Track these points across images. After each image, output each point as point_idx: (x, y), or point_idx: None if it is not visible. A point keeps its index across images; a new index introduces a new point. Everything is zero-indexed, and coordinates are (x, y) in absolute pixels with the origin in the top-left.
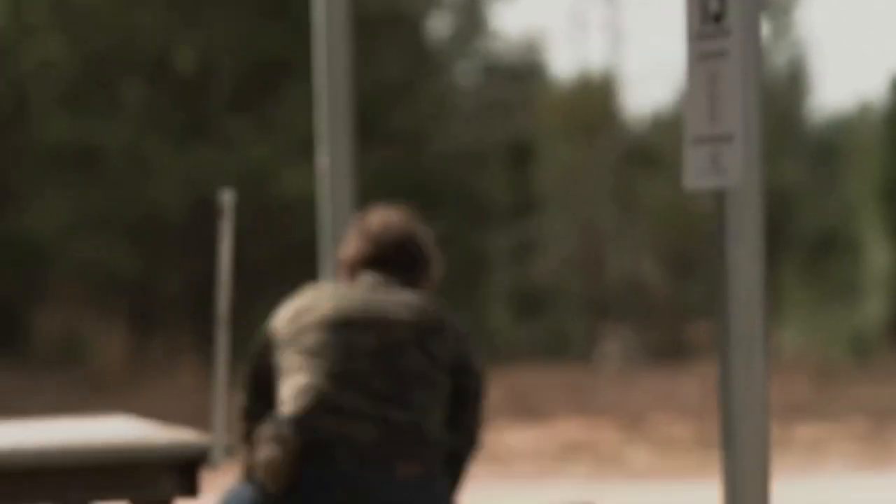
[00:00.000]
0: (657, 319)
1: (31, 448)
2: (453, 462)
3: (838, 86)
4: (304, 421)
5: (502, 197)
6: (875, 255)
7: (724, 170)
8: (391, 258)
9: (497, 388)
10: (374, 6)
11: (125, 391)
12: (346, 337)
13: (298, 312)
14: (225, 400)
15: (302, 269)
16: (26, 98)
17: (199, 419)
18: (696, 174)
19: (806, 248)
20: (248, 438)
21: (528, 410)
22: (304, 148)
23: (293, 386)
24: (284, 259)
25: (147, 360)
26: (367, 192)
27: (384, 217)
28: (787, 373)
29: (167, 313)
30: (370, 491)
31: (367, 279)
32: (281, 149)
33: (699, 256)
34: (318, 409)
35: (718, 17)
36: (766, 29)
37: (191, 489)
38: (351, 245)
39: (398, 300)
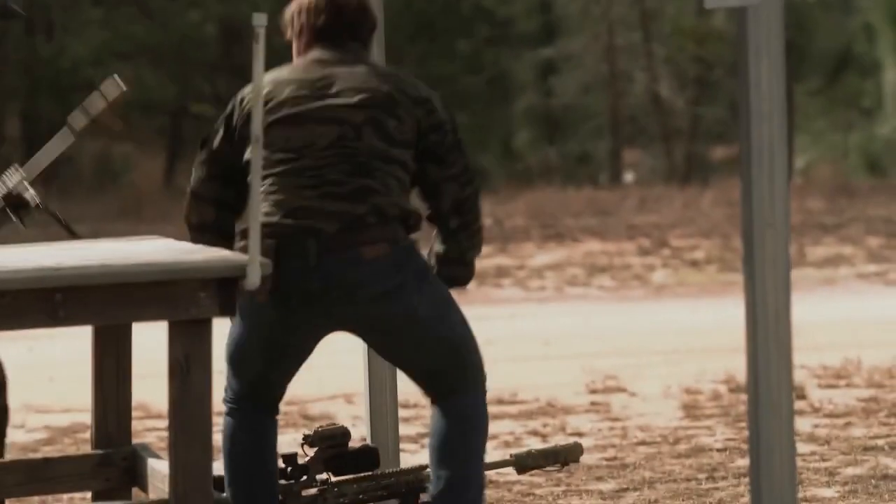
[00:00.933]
0: (677, 141)
1: (71, 267)
2: (462, 208)
3: None
4: (277, 225)
5: (526, 19)
6: (891, 75)
7: None
8: (342, 28)
9: (521, 210)
10: None
11: (162, 214)
12: (305, 132)
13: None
14: (259, 220)
15: None
16: None
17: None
18: None
19: (822, 67)
20: (199, 216)
21: (553, 231)
22: None
23: (263, 189)
24: None
25: (183, 184)
26: (396, 14)
27: None
28: (804, 192)
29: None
30: (340, 275)
31: (319, 56)
32: None
33: (718, 79)
34: (287, 212)
35: None
36: None
37: (229, 307)
38: (297, 18)
39: (352, 82)
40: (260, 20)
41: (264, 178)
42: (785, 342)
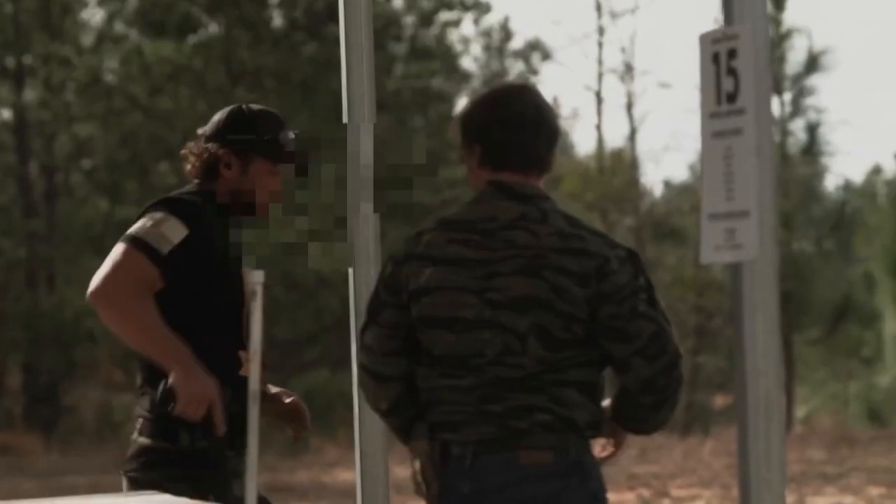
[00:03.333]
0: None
1: None
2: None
3: (853, 158)
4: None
5: None
6: (891, 325)
7: (740, 245)
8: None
9: None
10: (404, 84)
11: None
12: None
13: None
14: (255, 476)
15: (333, 343)
16: (62, 180)
17: None
18: (712, 249)
19: (822, 317)
20: (388, 399)
21: None
22: (336, 223)
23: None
24: (316, 333)
25: None
26: None
27: None
28: (804, 441)
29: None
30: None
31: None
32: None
33: (717, 328)
34: None
35: (732, 97)
36: (783, 105)
37: None
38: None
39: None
40: (258, 277)
41: None
42: None
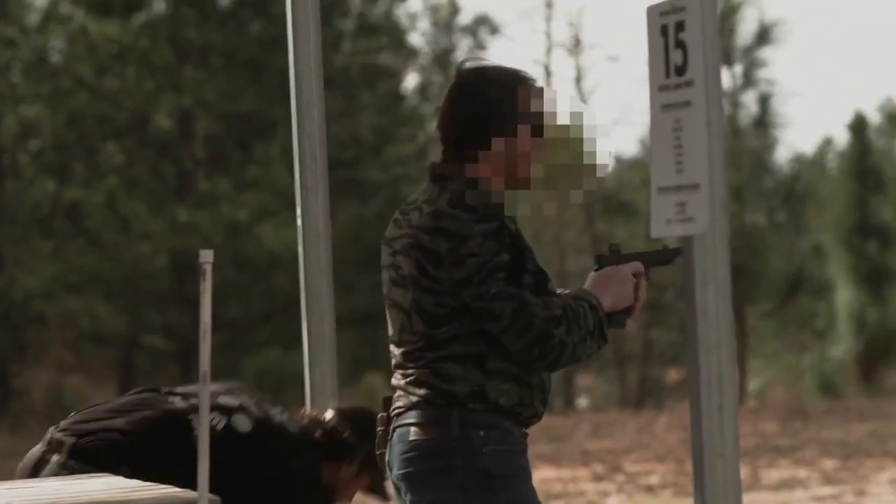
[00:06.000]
0: (631, 366)
1: None
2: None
3: (804, 130)
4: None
5: None
6: (843, 295)
7: (691, 218)
8: None
9: None
10: (352, 60)
11: None
12: None
13: None
14: (207, 458)
15: (285, 323)
16: (8, 161)
17: None
18: (663, 223)
19: (774, 289)
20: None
21: None
22: (284, 204)
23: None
24: (268, 313)
25: None
26: (343, 247)
27: None
28: (758, 414)
29: (153, 372)
30: None
31: None
32: (260, 206)
33: (669, 302)
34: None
35: (681, 69)
36: (734, 76)
37: None
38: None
39: None
40: (206, 256)
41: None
42: None
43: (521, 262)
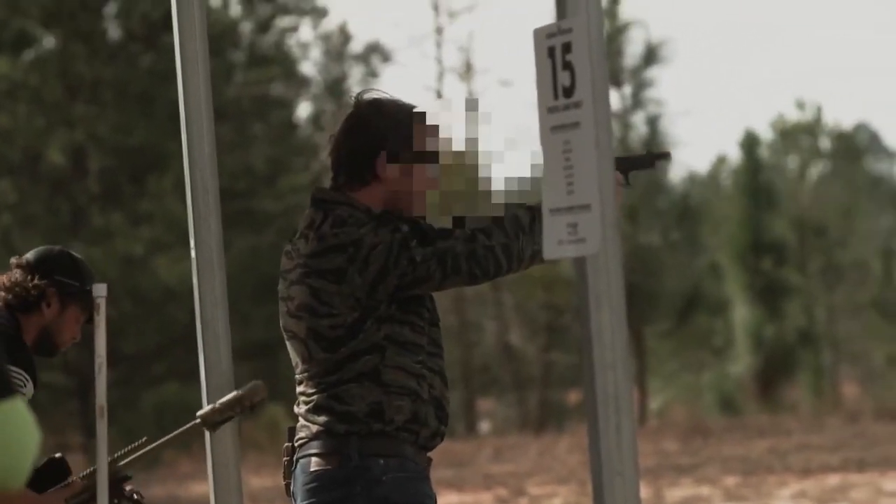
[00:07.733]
0: (531, 389)
1: None
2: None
3: (698, 148)
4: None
5: None
6: (740, 312)
7: (583, 239)
8: None
9: None
10: (244, 91)
11: None
12: None
13: None
14: (106, 489)
15: (182, 356)
16: None
17: None
18: (555, 244)
19: (671, 308)
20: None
21: None
22: (178, 237)
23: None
24: (165, 346)
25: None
26: (238, 278)
27: None
28: (659, 433)
29: (52, 409)
30: None
31: None
32: (154, 239)
33: (567, 324)
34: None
35: (569, 91)
36: (624, 97)
37: None
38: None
39: None
40: (100, 291)
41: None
42: None
43: (419, 228)
